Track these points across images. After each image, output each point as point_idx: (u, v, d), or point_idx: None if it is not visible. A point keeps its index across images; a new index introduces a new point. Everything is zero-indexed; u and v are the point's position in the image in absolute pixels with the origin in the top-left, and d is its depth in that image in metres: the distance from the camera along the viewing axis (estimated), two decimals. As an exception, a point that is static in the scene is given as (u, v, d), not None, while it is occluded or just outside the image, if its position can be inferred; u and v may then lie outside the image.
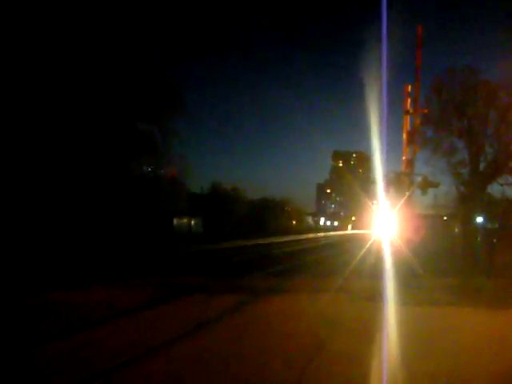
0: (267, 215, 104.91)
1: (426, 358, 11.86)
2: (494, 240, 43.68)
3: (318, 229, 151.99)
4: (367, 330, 14.51)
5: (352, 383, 10.25)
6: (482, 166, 40.00)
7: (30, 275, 23.54)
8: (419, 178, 41.57)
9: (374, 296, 19.59)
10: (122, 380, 10.22)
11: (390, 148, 40.33)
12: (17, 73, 34.53)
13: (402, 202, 40.18)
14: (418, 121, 37.09)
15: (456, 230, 46.47)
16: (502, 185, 40.77)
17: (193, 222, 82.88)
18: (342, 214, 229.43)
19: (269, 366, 11.01)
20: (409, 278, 24.79)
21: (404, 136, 36.94)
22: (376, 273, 26.48)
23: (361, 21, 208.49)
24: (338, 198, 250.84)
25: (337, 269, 29.42)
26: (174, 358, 11.46)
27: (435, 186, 41.48)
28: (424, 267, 27.05)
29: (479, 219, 45.58)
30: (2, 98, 33.90)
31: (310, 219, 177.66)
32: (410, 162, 35.98)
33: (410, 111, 36.59)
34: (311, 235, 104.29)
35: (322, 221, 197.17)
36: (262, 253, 47.10)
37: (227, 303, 18.37)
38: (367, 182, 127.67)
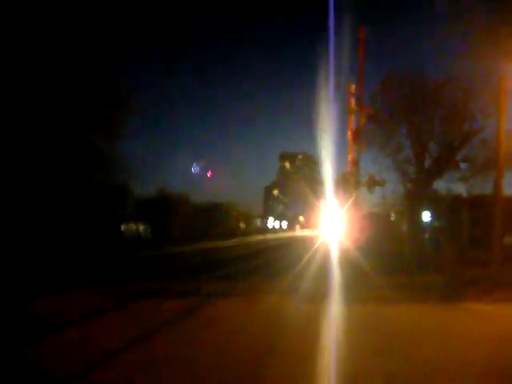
0: (215, 218, 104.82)
1: (373, 354, 11.90)
2: (441, 237, 44.09)
3: (267, 230, 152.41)
4: (312, 328, 14.51)
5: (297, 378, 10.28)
6: (427, 163, 40.29)
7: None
8: (366, 178, 41.75)
9: (320, 296, 19.61)
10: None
11: (337, 148, 40.45)
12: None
13: (350, 201, 40.30)
14: (362, 120, 37.24)
15: (403, 229, 46.72)
16: (447, 181, 41.22)
17: (141, 228, 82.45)
18: (289, 214, 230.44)
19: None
20: (355, 277, 24.84)
21: (349, 135, 37.05)
22: (323, 273, 26.53)
23: (308, 21, 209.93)
24: (285, 199, 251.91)
25: (284, 271, 29.32)
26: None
27: (381, 184, 41.70)
28: (371, 266, 27.11)
29: (426, 216, 45.89)
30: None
31: (258, 221, 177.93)
32: (356, 162, 36.14)
33: (354, 110, 36.70)
34: (260, 237, 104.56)
35: (270, 222, 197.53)
36: (210, 256, 46.95)
37: (176, 307, 18.28)
38: (314, 182, 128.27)
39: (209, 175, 77.25)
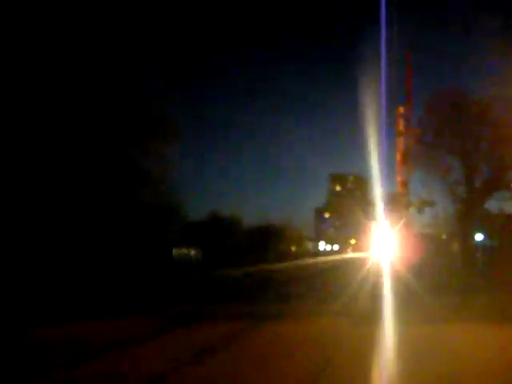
0: (266, 241, 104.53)
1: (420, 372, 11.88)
2: (494, 256, 43.63)
3: (318, 253, 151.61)
4: (364, 351, 14.53)
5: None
6: (477, 183, 40.07)
7: (31, 309, 23.41)
8: (415, 198, 41.63)
9: (373, 318, 19.54)
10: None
11: (387, 169, 40.47)
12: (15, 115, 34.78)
13: (400, 222, 40.18)
14: (410, 141, 37.25)
15: (455, 249, 46.37)
16: (499, 200, 40.90)
17: (192, 251, 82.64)
18: (341, 237, 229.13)
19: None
20: (409, 298, 24.74)
21: (398, 157, 37.08)
22: (375, 295, 26.47)
23: (357, 44, 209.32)
24: (336, 222, 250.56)
25: (336, 293, 29.29)
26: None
27: (431, 205, 41.55)
28: (424, 287, 26.99)
29: (479, 236, 45.52)
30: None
31: (309, 244, 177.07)
32: (405, 183, 36.09)
33: (403, 132, 36.74)
34: (311, 260, 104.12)
35: (321, 245, 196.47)
36: (263, 279, 47.01)
37: (230, 329, 18.42)
38: (365, 204, 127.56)
39: None
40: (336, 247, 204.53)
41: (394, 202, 41.37)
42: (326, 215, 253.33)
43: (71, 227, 38.19)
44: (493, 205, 42.56)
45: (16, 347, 15.83)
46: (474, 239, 43.83)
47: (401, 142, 38.53)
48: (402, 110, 39.20)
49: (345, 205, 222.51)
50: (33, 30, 35.54)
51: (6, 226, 34.63)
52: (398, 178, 37.39)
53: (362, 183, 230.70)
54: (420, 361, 13.30)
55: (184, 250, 79.88)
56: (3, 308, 23.27)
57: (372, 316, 20.21)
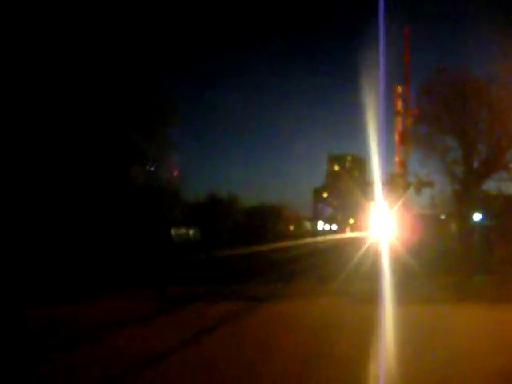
0: (265, 221, 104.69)
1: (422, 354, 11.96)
2: (492, 237, 43.71)
3: (316, 233, 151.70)
4: (367, 327, 14.65)
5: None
6: (476, 164, 40.07)
7: (33, 288, 23.47)
8: (414, 179, 41.63)
9: (371, 298, 19.64)
10: None
11: (385, 149, 40.44)
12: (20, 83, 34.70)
13: (399, 203, 40.22)
14: (409, 121, 37.20)
15: (454, 229, 46.46)
16: (497, 181, 40.90)
17: (191, 231, 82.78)
18: (339, 217, 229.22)
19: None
20: (407, 278, 24.81)
21: (396, 137, 37.03)
22: (373, 275, 26.54)
23: (355, 25, 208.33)
24: (334, 202, 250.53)
25: (334, 272, 29.39)
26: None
27: (430, 185, 41.53)
28: (422, 267, 27.06)
29: (477, 217, 45.59)
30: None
31: (307, 224, 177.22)
32: (404, 163, 36.08)
33: (401, 112, 36.68)
34: (309, 240, 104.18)
35: (319, 225, 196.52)
36: (261, 259, 47.07)
37: (231, 309, 18.51)
38: (364, 184, 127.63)
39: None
40: (334, 227, 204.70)
41: (393, 182, 41.34)
42: (325, 195, 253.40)
43: (72, 208, 38.29)
44: (491, 185, 42.56)
45: (15, 328, 15.91)
46: (472, 220, 43.88)
47: (399, 122, 38.48)
48: (399, 89, 39.11)
49: (343, 185, 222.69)
50: (32, 15, 35.49)
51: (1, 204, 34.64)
52: (397, 159, 37.38)
53: (360, 163, 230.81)
54: (418, 340, 13.44)
55: (183, 231, 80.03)
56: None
57: (371, 295, 20.32)
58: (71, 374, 10.91)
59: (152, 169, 46.78)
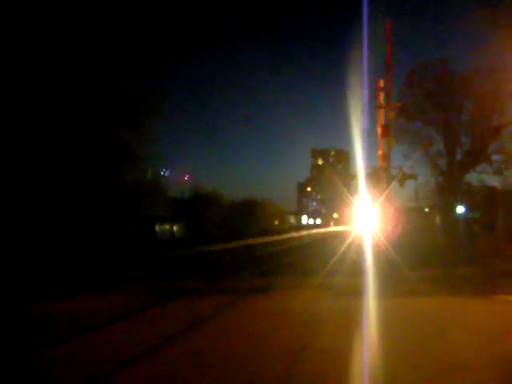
0: (249, 216, 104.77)
1: (402, 343, 12.00)
2: (475, 229, 43.92)
3: (301, 227, 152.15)
4: (350, 320, 14.73)
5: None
6: (459, 156, 40.26)
7: (15, 286, 23.36)
8: (397, 172, 41.71)
9: (354, 291, 19.71)
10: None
11: (369, 143, 40.48)
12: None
13: (382, 196, 40.27)
14: (391, 114, 37.13)
15: (437, 221, 46.67)
16: (479, 173, 41.12)
17: (175, 227, 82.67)
18: (323, 211, 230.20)
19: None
20: (390, 271, 24.88)
21: (378, 130, 36.96)
22: (357, 268, 26.64)
23: (338, 20, 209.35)
24: (318, 196, 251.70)
25: (318, 266, 29.46)
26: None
27: (413, 178, 41.62)
28: (405, 260, 27.12)
29: (460, 209, 45.77)
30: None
31: (292, 218, 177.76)
32: (386, 156, 35.95)
33: (383, 105, 36.61)
34: (294, 234, 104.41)
35: (304, 219, 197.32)
36: (246, 254, 47.16)
37: (217, 303, 18.50)
38: (347, 178, 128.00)
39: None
40: (318, 221, 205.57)
41: (376, 175, 41.36)
42: (309, 189, 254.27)
43: (55, 204, 38.12)
44: (474, 178, 42.80)
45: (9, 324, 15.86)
46: (455, 212, 44.06)
47: (381, 116, 38.41)
48: (382, 83, 39.03)
49: (327, 179, 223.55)
50: (17, 12, 35.35)
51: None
52: (379, 152, 37.21)
53: (343, 157, 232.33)
54: (400, 332, 13.49)
55: (167, 226, 79.94)
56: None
57: (354, 289, 20.41)
58: (58, 369, 10.81)
59: (134, 163, 46.43)
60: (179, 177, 72.28)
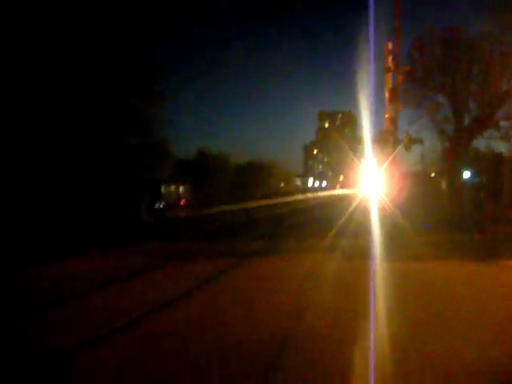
0: (255, 178, 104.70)
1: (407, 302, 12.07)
2: (481, 195, 43.91)
3: (307, 190, 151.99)
4: (354, 281, 14.90)
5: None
6: (466, 122, 40.07)
7: (19, 249, 23.40)
8: (404, 136, 41.58)
9: (360, 254, 19.76)
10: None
11: (376, 107, 40.35)
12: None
13: (388, 160, 40.18)
14: (399, 78, 36.91)
15: (443, 187, 46.62)
16: (487, 139, 40.97)
17: (181, 189, 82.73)
18: (329, 174, 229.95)
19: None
20: (396, 235, 24.90)
21: (386, 94, 36.76)
22: (363, 231, 26.66)
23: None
24: (325, 159, 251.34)
25: (324, 229, 29.50)
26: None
27: (419, 142, 41.48)
28: (411, 224, 27.13)
29: (466, 174, 45.73)
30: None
31: (298, 181, 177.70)
32: (393, 120, 35.78)
33: (391, 69, 36.38)
34: (300, 197, 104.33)
35: (310, 182, 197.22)
36: (251, 216, 47.22)
37: (222, 265, 18.56)
38: (354, 141, 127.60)
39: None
40: (324, 184, 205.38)
41: (382, 139, 41.22)
42: (315, 152, 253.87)
43: (59, 166, 38.13)
44: (481, 143, 42.67)
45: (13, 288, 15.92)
46: (461, 177, 44.01)
47: (389, 79, 38.15)
48: (390, 46, 38.74)
49: (333, 142, 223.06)
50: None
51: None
52: (386, 115, 37.02)
53: (350, 120, 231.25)
54: (404, 291, 13.60)
55: (173, 188, 79.98)
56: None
57: (359, 252, 20.45)
58: (54, 332, 10.84)
59: (140, 125, 46.29)
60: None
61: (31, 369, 8.72)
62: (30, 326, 11.34)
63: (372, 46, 36.08)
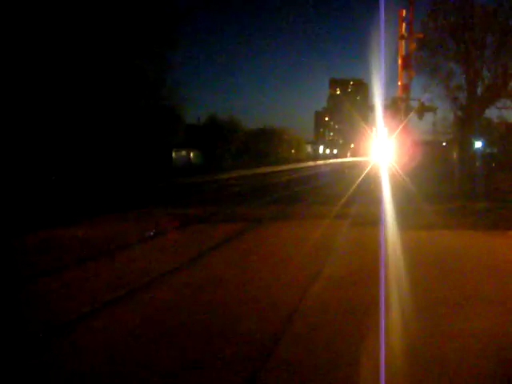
0: (266, 144, 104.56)
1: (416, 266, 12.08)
2: (493, 164, 43.77)
3: (317, 157, 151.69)
4: (364, 248, 15.01)
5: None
6: (479, 91, 39.84)
7: (26, 213, 23.51)
8: (416, 103, 41.40)
9: (371, 221, 19.75)
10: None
11: (388, 74, 40.22)
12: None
13: (400, 128, 40.03)
14: (412, 45, 36.76)
15: (454, 156, 46.49)
16: (500, 108, 40.73)
17: (192, 154, 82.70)
18: (340, 141, 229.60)
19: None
20: (406, 203, 24.88)
21: (399, 61, 36.64)
22: (373, 199, 26.66)
23: None
24: (336, 126, 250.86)
25: (335, 196, 29.53)
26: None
27: (432, 110, 41.36)
28: (422, 192, 27.11)
29: (478, 144, 45.52)
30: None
31: (309, 147, 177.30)
32: (406, 87, 35.74)
33: (405, 36, 36.21)
34: (311, 163, 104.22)
35: (320, 149, 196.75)
36: (262, 182, 47.25)
37: (232, 229, 18.61)
38: (365, 108, 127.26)
39: None
40: (335, 151, 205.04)
41: (394, 106, 41.09)
42: (326, 119, 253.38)
43: (73, 130, 38.22)
44: (493, 113, 42.48)
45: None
46: (473, 146, 43.84)
47: (402, 46, 37.99)
48: (404, 13, 38.52)
49: (344, 109, 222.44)
50: None
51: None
52: (399, 83, 36.98)
53: (362, 88, 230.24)
54: (416, 258, 13.61)
55: (184, 153, 79.99)
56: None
57: (371, 219, 20.44)
58: (65, 294, 10.88)
59: (152, 90, 46.22)
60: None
61: (52, 325, 8.79)
62: (47, 289, 11.40)
63: (385, 14, 35.83)
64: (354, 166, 79.67)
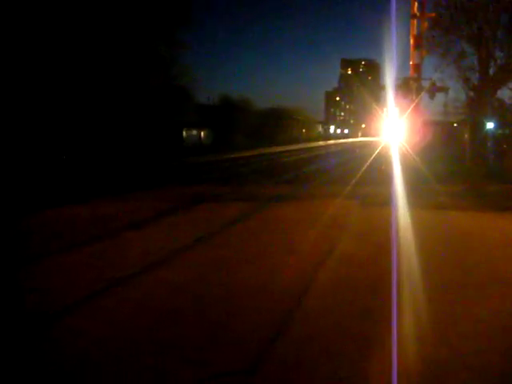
0: (277, 124, 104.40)
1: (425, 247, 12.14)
2: (504, 146, 43.64)
3: (328, 137, 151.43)
4: (374, 227, 15.17)
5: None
6: (491, 71, 39.64)
7: (36, 192, 23.62)
8: (428, 83, 41.25)
9: (382, 201, 19.81)
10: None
11: (400, 54, 40.05)
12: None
13: (411, 108, 39.93)
14: (424, 25, 36.58)
15: (466, 137, 46.37)
16: (512, 89, 40.54)
17: (202, 134, 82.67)
18: (351, 121, 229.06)
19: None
20: (417, 183, 24.88)
21: (411, 40, 36.51)
22: (384, 179, 26.67)
23: None
24: (347, 106, 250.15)
25: (345, 175, 29.61)
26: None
27: (444, 90, 41.21)
28: (433, 173, 27.09)
29: (490, 125, 45.34)
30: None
31: (320, 127, 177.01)
32: (418, 67, 35.62)
33: (417, 15, 36.05)
34: (321, 143, 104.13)
35: (331, 129, 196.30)
36: (273, 161, 47.33)
37: (242, 208, 18.76)
38: (376, 89, 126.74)
39: None
40: (346, 131, 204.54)
41: (406, 85, 40.97)
42: (337, 98, 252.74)
43: (84, 109, 38.35)
44: (506, 94, 42.20)
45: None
46: (485, 128, 43.67)
47: (414, 26, 37.84)
48: (416, -10, 38.34)
49: (356, 89, 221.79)
50: None
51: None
52: (411, 62, 36.88)
53: (373, 68, 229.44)
54: (429, 238, 13.67)
55: (195, 132, 79.94)
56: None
57: (381, 199, 20.50)
58: (74, 272, 10.97)
59: (163, 69, 46.32)
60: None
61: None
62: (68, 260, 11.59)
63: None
64: (364, 146, 79.57)
